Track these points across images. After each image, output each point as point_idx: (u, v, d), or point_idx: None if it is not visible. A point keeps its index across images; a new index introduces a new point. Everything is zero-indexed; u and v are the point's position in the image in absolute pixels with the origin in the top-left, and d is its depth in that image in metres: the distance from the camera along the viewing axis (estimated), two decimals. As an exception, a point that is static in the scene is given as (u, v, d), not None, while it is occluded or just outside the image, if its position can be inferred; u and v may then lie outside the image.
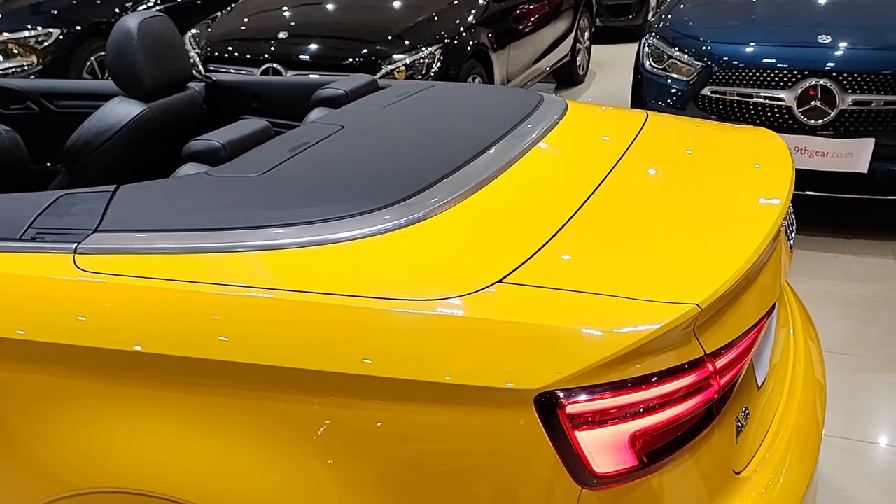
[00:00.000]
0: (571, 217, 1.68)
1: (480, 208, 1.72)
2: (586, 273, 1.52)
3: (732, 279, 1.50)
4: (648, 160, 2.04)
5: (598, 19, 9.39)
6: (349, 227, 1.60)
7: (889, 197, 4.59)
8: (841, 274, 4.27)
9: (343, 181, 1.82)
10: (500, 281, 1.47)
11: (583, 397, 1.37)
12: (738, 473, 1.59)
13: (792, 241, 1.96)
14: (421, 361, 1.39)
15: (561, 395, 1.36)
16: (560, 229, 1.63)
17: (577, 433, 1.38)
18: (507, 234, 1.65)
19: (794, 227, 2.03)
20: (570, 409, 1.37)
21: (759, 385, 1.76)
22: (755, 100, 4.62)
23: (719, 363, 1.48)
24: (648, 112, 2.41)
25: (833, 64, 4.47)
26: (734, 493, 1.56)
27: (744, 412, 1.65)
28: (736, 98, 4.68)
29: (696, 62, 4.82)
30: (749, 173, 2.03)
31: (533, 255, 1.54)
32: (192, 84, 2.87)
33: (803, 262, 4.38)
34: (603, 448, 1.39)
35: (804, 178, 4.59)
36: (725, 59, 4.73)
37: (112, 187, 1.77)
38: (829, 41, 4.58)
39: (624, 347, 1.37)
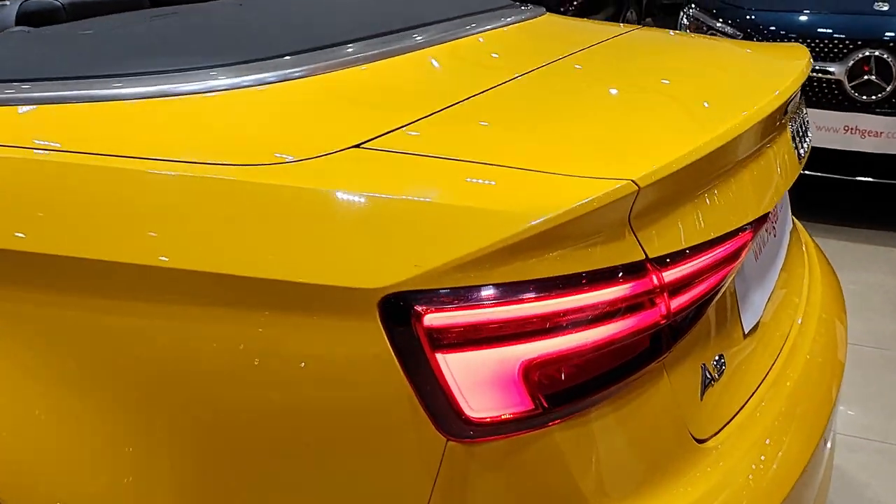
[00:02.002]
0: (488, 89, 1.25)
1: (373, 78, 1.31)
2: (483, 141, 1.09)
3: (687, 157, 1.05)
4: (620, 53, 1.60)
5: (648, 18, 8.89)
6: (195, 80, 1.19)
7: (952, 184, 4.06)
8: (890, 267, 3.74)
9: (205, 39, 1.42)
10: (357, 145, 1.04)
11: (450, 305, 0.93)
12: (701, 442, 1.13)
13: (803, 152, 1.49)
14: (225, 247, 0.97)
15: (417, 299, 0.93)
16: (470, 98, 1.20)
17: (439, 357, 0.94)
18: (394, 102, 1.23)
19: (808, 140, 1.56)
20: (429, 320, 0.93)
21: (746, 332, 1.30)
22: (801, 72, 4.11)
23: (669, 275, 1.03)
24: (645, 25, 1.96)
25: (891, 33, 3.95)
26: (691, 465, 1.10)
27: (717, 361, 1.20)
28: (779, 70, 4.18)
29: (738, 33, 4.34)
30: (745, 67, 1.57)
31: (416, 121, 1.11)
32: None
33: (850, 254, 3.86)
34: (480, 382, 0.95)
35: (854, 161, 4.08)
36: (771, 28, 4.25)
37: None
38: (886, 8, 4.07)
39: (514, 234, 0.93)
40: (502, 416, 0.95)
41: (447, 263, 0.92)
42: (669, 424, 1.08)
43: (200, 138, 1.10)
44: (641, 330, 1.00)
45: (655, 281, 1.01)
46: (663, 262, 1.03)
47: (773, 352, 1.37)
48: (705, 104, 1.32)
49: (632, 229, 1.01)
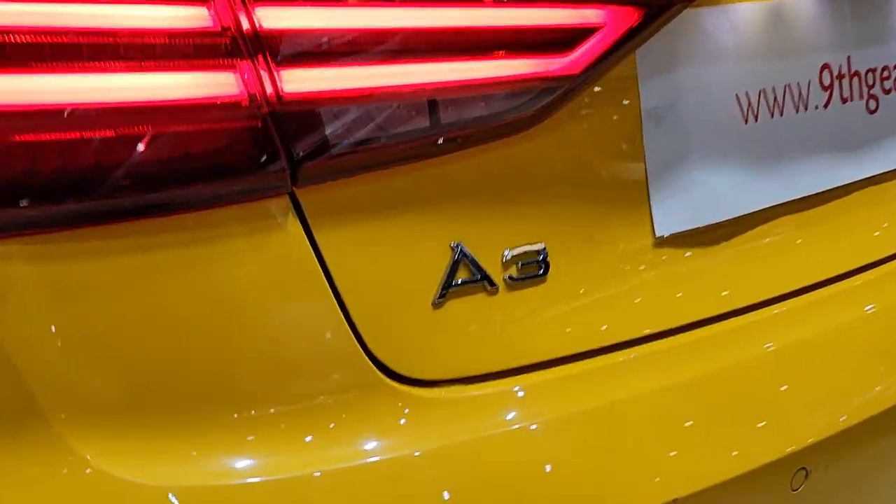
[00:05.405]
0: None
1: None
2: None
3: None
4: None
5: None
6: None
7: None
8: None
9: None
10: None
11: None
12: (403, 381, 0.60)
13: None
14: None
15: None
16: None
17: None
18: None
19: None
20: None
21: (663, 234, 0.70)
22: None
23: (276, 17, 0.52)
24: None
25: None
26: (355, 416, 0.58)
27: (525, 255, 0.64)
28: None
29: None
30: None
31: None
32: None
33: None
34: None
35: None
36: None
37: None
38: None
39: None
40: None
41: None
42: (297, 324, 0.57)
43: None
44: (182, 110, 0.51)
45: (232, 26, 0.51)
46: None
47: (751, 294, 0.74)
48: None
49: None
